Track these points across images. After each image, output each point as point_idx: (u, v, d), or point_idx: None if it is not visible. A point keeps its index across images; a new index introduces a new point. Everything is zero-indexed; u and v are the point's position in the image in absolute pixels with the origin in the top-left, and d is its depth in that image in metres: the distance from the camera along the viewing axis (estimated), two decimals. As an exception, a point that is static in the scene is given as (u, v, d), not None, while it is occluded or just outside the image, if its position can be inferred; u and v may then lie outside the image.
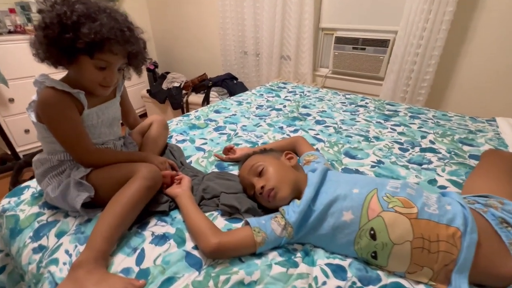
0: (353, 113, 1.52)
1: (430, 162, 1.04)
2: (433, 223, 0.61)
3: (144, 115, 3.25)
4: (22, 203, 0.85)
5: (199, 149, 1.14)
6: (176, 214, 0.79)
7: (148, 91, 3.18)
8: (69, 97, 0.75)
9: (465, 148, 1.14)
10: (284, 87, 1.97)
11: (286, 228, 0.68)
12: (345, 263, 0.65)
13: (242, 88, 3.00)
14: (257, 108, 1.59)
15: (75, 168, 0.79)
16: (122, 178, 0.75)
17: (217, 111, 1.53)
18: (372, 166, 1.01)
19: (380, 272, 0.62)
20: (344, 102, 1.69)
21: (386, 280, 0.61)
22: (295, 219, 0.66)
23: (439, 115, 1.50)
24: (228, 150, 1.05)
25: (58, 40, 0.68)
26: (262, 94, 1.82)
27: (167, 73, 3.38)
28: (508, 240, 0.59)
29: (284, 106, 1.61)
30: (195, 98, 2.97)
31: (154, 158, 0.90)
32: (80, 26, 0.67)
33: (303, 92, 1.86)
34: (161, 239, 0.71)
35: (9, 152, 2.20)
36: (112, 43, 0.71)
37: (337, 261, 0.65)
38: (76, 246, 0.69)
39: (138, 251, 0.67)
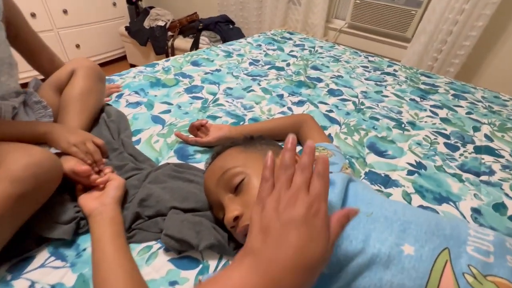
0: (378, 83, 1.14)
1: (491, 171, 0.72)
2: None
3: (123, 59, 2.71)
4: None
5: (156, 119, 0.77)
6: (86, 243, 0.46)
7: (127, 28, 2.63)
8: None
9: (537, 152, 0.81)
10: (290, 38, 1.52)
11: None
12: None
13: (238, 35, 2.49)
14: (250, 64, 1.17)
15: None
16: None
17: (195, 63, 1.11)
18: (410, 173, 0.68)
19: None
20: (367, 67, 1.28)
21: None
22: None
23: (490, 97, 1.13)
24: (197, 128, 0.69)
25: None
26: (260, 45, 1.38)
27: (151, 7, 2.78)
28: None
29: (288, 65, 1.20)
30: (183, 42, 2.47)
31: (67, 133, 0.54)
32: None
33: (313, 48, 1.43)
34: (45, 297, 0.39)
35: None
36: None
37: None
38: None
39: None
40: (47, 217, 0.46)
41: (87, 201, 0.49)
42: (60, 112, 0.63)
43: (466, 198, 0.62)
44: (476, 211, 0.60)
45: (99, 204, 0.47)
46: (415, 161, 0.72)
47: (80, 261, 0.44)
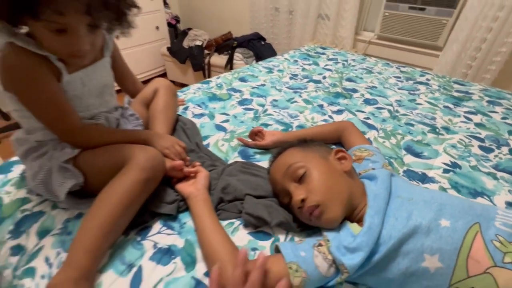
0: (411, 92, 1.22)
1: (526, 171, 0.77)
2: None
3: (163, 76, 3.02)
4: (9, 183, 0.71)
5: (219, 128, 0.93)
6: (186, 219, 0.61)
7: (168, 49, 2.93)
8: (40, 59, 0.54)
9: None
10: (323, 53, 1.65)
11: (341, 270, 0.48)
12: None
13: (270, 51, 2.67)
14: (290, 78, 1.31)
15: (58, 149, 0.62)
16: (114, 165, 0.57)
17: (242, 79, 1.28)
18: (446, 171, 0.76)
19: None
20: (399, 77, 1.36)
21: None
22: (355, 264, 0.46)
23: (527, 102, 1.16)
24: (255, 134, 0.83)
25: None
26: (296, 61, 1.52)
27: (189, 29, 3.07)
28: None
29: (324, 78, 1.33)
30: (218, 59, 2.70)
31: (160, 139, 0.71)
32: None
33: (346, 61, 1.54)
34: (165, 254, 0.54)
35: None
36: None
37: (406, 320, 0.46)
38: (58, 254, 0.54)
39: (134, 270, 0.51)
40: (157, 199, 0.61)
41: (184, 187, 0.64)
42: (150, 122, 0.81)
43: (500, 193, 0.69)
44: (511, 204, 0.66)
45: (194, 189, 0.63)
46: (450, 161, 0.80)
47: (184, 230, 0.58)
